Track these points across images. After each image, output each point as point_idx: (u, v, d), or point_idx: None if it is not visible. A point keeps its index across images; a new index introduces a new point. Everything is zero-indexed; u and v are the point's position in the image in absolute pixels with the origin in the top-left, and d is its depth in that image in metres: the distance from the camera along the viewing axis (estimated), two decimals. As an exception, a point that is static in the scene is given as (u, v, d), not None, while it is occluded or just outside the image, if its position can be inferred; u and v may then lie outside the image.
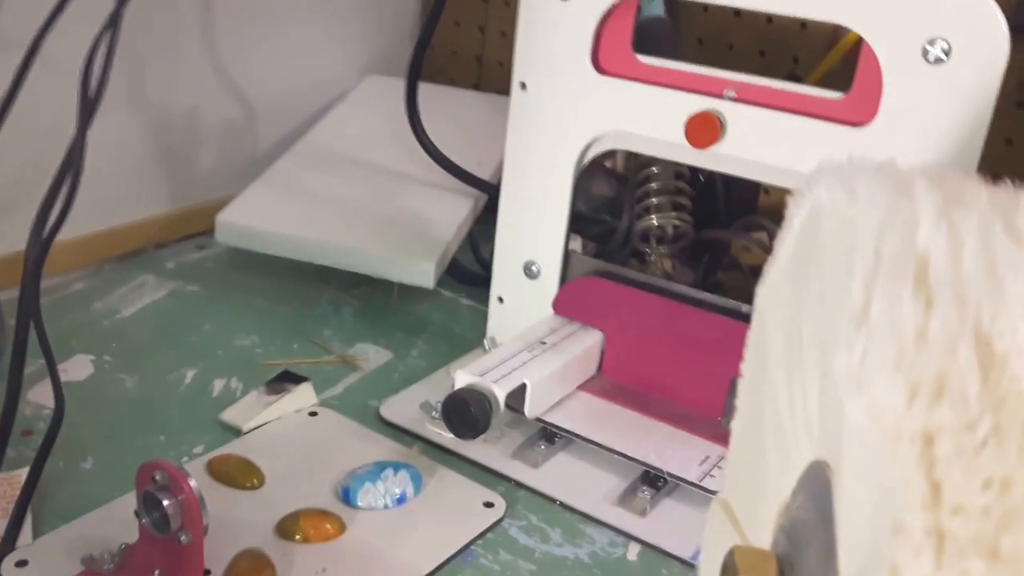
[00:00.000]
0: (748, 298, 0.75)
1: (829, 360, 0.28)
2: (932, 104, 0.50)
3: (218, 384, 0.65)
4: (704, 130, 0.57)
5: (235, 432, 0.60)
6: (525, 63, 0.62)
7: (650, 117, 0.59)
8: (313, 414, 0.62)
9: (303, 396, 0.62)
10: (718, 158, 0.58)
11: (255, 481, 0.55)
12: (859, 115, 0.53)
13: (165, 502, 0.46)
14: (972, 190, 0.29)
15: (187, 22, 0.83)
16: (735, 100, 0.57)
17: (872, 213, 0.27)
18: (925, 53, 0.50)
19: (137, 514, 0.47)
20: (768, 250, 0.77)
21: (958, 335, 0.24)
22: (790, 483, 0.33)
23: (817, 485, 0.30)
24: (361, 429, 0.61)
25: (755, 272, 0.79)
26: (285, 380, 0.63)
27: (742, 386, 0.39)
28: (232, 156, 0.90)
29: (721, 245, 0.80)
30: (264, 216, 0.76)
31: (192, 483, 0.46)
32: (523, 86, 0.63)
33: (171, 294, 0.76)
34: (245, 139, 0.91)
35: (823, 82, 0.81)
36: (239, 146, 0.90)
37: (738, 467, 0.40)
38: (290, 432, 0.60)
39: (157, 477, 0.46)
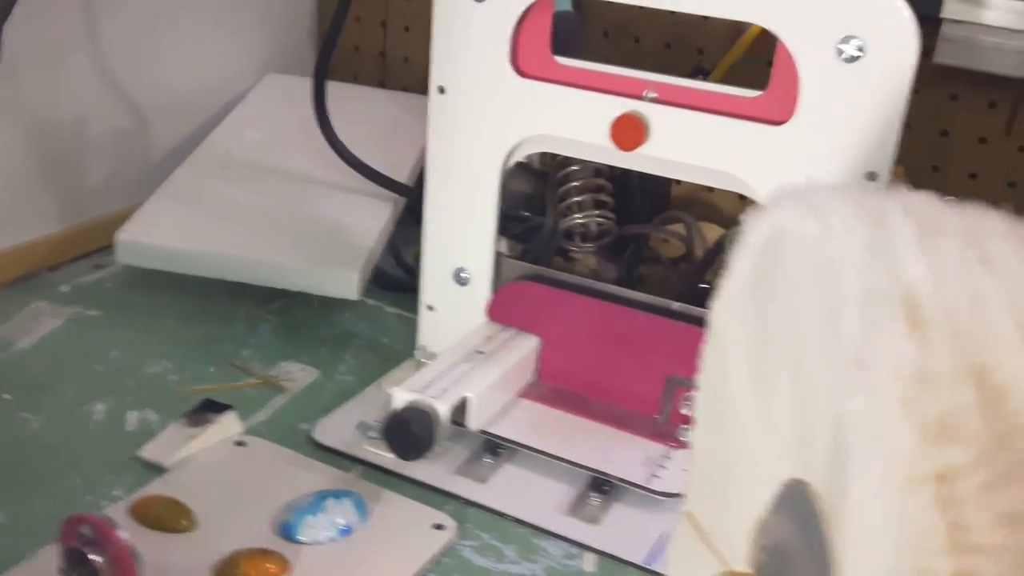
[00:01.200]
0: (670, 290, 0.76)
1: (822, 397, 0.27)
2: (848, 101, 0.51)
3: (133, 417, 0.61)
4: (629, 132, 0.56)
5: (157, 470, 0.56)
6: (442, 66, 0.60)
7: (573, 120, 0.58)
8: (240, 444, 0.58)
9: (228, 425, 0.59)
10: (644, 159, 0.57)
11: (186, 523, 0.51)
12: (777, 113, 0.54)
13: (94, 558, 0.42)
14: (942, 216, 0.29)
15: (67, 24, 0.77)
16: (656, 101, 0.56)
17: (852, 247, 0.27)
18: (839, 51, 0.50)
19: (63, 572, 0.43)
20: (685, 241, 0.79)
21: (957, 371, 0.24)
22: (762, 498, 0.33)
23: (801, 507, 0.30)
24: (294, 456, 0.58)
25: (675, 264, 0.80)
26: (207, 409, 0.59)
27: (700, 398, 0.39)
28: (125, 166, 0.84)
29: (641, 239, 0.80)
30: (168, 232, 0.71)
31: (122, 535, 0.42)
32: (441, 90, 0.60)
33: (71, 320, 0.71)
34: (138, 147, 0.85)
35: (731, 73, 0.82)
36: (132, 155, 0.85)
37: (702, 479, 0.40)
38: (218, 465, 0.56)
39: (84, 531, 0.42)
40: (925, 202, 0.29)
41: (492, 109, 0.59)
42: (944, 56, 0.75)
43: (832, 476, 0.27)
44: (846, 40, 0.50)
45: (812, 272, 0.29)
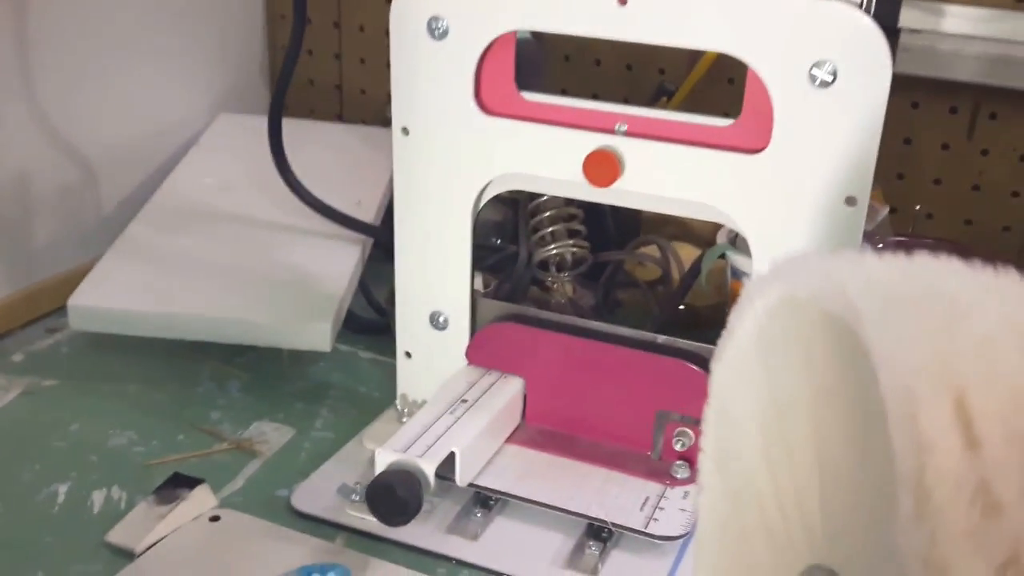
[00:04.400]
0: (649, 314, 0.74)
1: (861, 500, 0.26)
2: (824, 126, 0.49)
3: (98, 498, 0.57)
4: (603, 168, 0.54)
5: (127, 555, 0.52)
6: (404, 107, 0.57)
7: (545, 158, 0.55)
8: (215, 519, 0.54)
9: (200, 500, 0.55)
10: (619, 194, 0.55)
11: (161, 616, 0.47)
12: (752, 141, 0.52)
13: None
14: (975, 291, 0.26)
15: (0, 80, 0.73)
16: (627, 135, 0.54)
17: (884, 337, 0.24)
18: (812, 77, 0.49)
19: None
20: (661, 264, 0.77)
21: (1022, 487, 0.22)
22: None
23: None
24: (273, 528, 0.54)
25: (652, 286, 0.78)
26: (177, 484, 0.55)
27: (705, 462, 0.37)
28: (74, 222, 0.80)
29: (617, 264, 0.79)
30: (124, 294, 0.67)
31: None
32: (405, 131, 0.57)
33: (25, 393, 0.67)
34: (87, 200, 0.81)
35: (694, 93, 0.82)
36: (81, 209, 0.81)
37: (712, 549, 0.38)
38: (192, 545, 0.52)
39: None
40: (950, 272, 0.26)
41: (459, 149, 0.56)
42: (904, 65, 0.77)
43: None
44: (818, 65, 0.48)
45: (839, 358, 0.27)
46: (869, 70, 0.48)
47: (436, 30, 0.55)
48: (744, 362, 0.32)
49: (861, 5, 0.49)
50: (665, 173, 0.54)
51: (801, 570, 0.30)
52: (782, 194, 0.51)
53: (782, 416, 0.31)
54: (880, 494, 0.25)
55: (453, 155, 0.57)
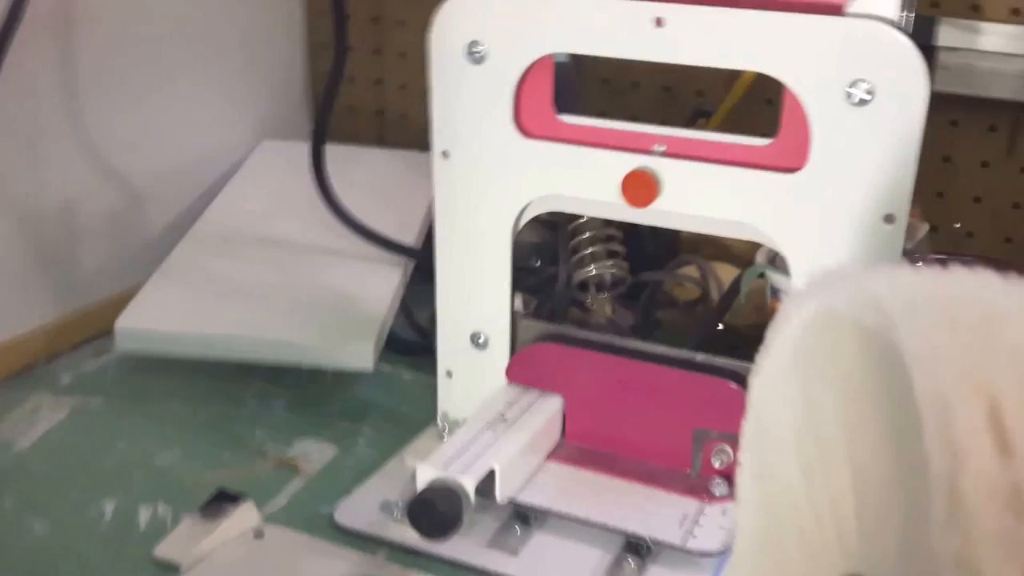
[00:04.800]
0: (689, 334, 0.74)
1: (895, 504, 0.26)
2: (861, 145, 0.50)
3: (144, 514, 0.58)
4: (641, 189, 0.54)
5: (174, 570, 0.53)
6: (444, 131, 0.58)
7: (582, 179, 0.56)
8: (259, 535, 0.55)
9: (244, 517, 0.55)
10: (657, 214, 0.56)
11: (207, 629, 0.48)
12: (789, 161, 0.52)
13: None
14: (1005, 303, 0.26)
15: (47, 108, 0.75)
16: (665, 155, 0.55)
17: (918, 344, 0.25)
18: (849, 96, 0.49)
19: None
20: (700, 285, 0.77)
21: None
22: None
23: None
24: (316, 543, 0.55)
25: (691, 307, 0.79)
26: (222, 500, 0.56)
27: (744, 476, 0.37)
28: (121, 247, 0.82)
29: (656, 284, 0.79)
30: (169, 316, 0.68)
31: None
32: (445, 155, 0.58)
33: (73, 413, 0.68)
34: (133, 226, 0.83)
35: (732, 114, 0.82)
36: (127, 234, 0.82)
37: (749, 562, 0.37)
38: (238, 561, 0.53)
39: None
40: (984, 282, 0.26)
41: (499, 172, 0.57)
42: (942, 83, 0.77)
43: None
44: (854, 84, 0.49)
45: (874, 367, 0.27)
46: (906, 88, 0.48)
47: (475, 55, 0.56)
48: (781, 376, 0.33)
49: (896, 24, 0.49)
50: (702, 193, 0.54)
51: None
52: (820, 213, 0.51)
53: (817, 427, 0.31)
54: (914, 501, 0.25)
55: (492, 178, 0.58)
